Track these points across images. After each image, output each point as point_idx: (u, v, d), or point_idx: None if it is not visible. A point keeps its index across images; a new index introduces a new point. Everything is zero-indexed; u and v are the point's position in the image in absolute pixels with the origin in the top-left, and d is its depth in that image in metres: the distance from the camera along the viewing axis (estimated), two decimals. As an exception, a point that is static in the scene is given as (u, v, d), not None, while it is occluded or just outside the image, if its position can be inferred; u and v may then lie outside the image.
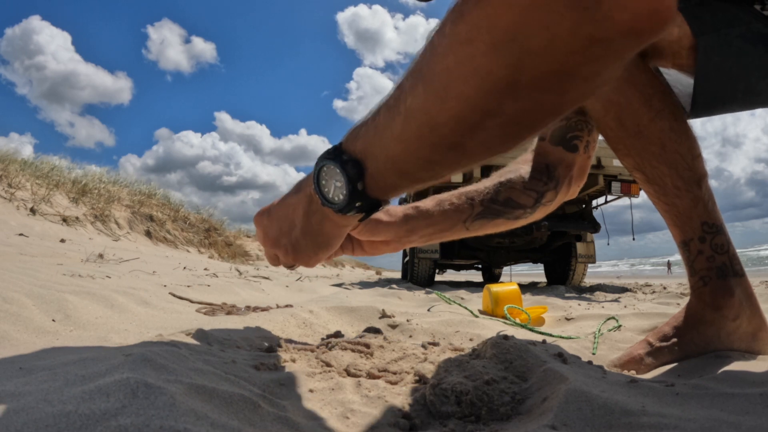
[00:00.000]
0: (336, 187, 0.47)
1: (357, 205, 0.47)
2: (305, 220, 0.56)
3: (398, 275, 7.62)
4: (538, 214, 0.83)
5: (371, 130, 0.44)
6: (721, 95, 0.68)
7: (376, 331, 0.90)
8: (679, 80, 0.73)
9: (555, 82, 0.33)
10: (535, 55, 0.32)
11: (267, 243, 0.63)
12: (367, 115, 0.46)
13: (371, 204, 0.47)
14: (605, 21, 0.30)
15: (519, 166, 0.82)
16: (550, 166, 0.81)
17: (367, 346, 0.75)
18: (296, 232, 0.58)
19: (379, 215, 0.71)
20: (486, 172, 2.82)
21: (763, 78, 0.67)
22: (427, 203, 0.74)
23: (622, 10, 0.29)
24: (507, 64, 0.33)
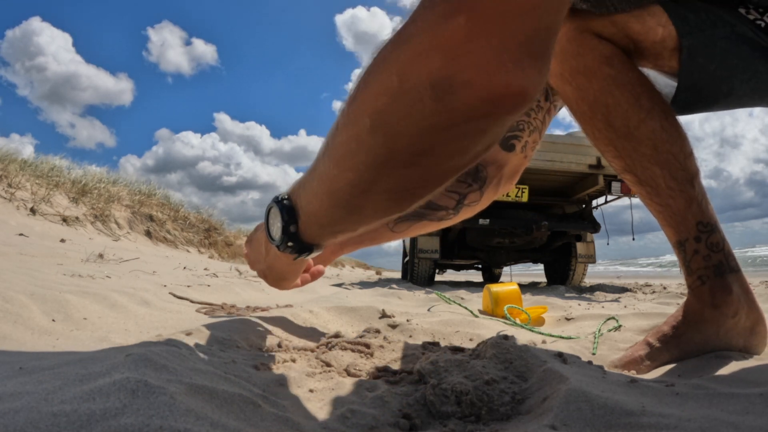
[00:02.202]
0: (277, 227, 0.53)
1: (290, 245, 0.52)
2: (265, 253, 0.68)
3: (398, 275, 7.63)
4: (464, 214, 0.85)
5: (301, 186, 0.50)
6: (704, 95, 0.68)
7: (376, 331, 0.90)
8: (656, 81, 0.73)
9: (425, 159, 0.37)
10: (403, 137, 0.36)
11: (251, 266, 0.76)
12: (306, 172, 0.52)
13: (302, 246, 0.52)
14: (460, 108, 0.33)
15: None
16: (479, 166, 0.83)
17: (367, 346, 0.75)
18: (263, 261, 0.70)
19: None
20: None
21: (747, 81, 0.67)
22: None
23: (473, 97, 0.33)
24: (382, 143, 0.37)
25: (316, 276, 0.83)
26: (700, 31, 0.63)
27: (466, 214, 0.85)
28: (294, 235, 0.52)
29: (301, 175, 0.54)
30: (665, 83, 0.71)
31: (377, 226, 0.48)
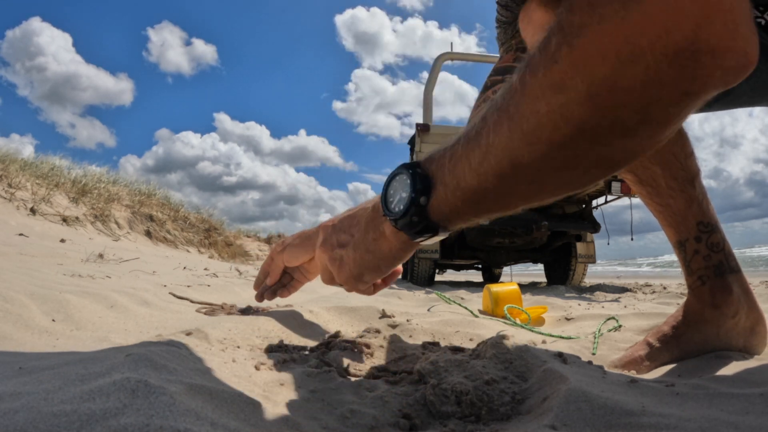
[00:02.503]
0: (401, 197, 0.47)
1: (414, 219, 0.46)
2: (363, 233, 0.56)
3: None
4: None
5: (447, 157, 0.44)
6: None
7: (376, 331, 0.90)
8: None
9: (644, 130, 0.34)
10: (628, 107, 0.32)
11: (323, 249, 0.61)
12: (445, 143, 0.46)
13: (427, 224, 0.46)
14: (702, 78, 0.31)
15: None
16: None
17: (367, 346, 0.75)
18: (351, 244, 0.57)
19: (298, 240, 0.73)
20: None
21: (746, 80, 0.67)
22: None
23: (719, 67, 0.30)
24: (600, 115, 0.33)
25: (394, 278, 0.68)
26: None
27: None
28: (422, 209, 0.46)
29: (435, 147, 0.47)
30: None
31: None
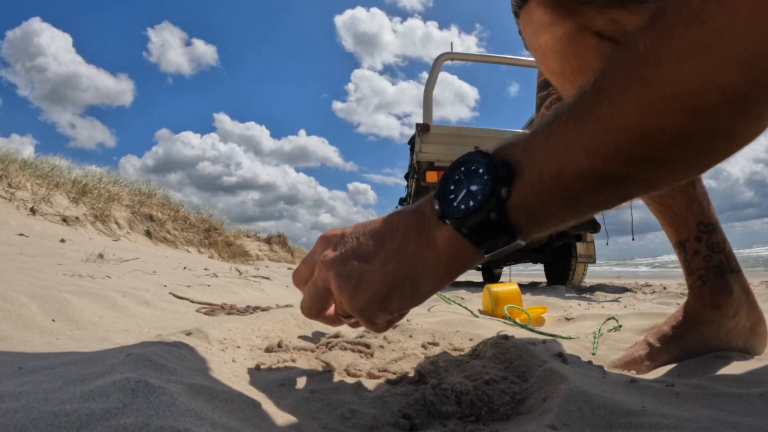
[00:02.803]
0: (469, 191, 0.38)
1: (491, 216, 0.36)
2: (400, 243, 0.41)
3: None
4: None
5: (538, 140, 0.36)
6: None
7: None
8: None
9: None
10: None
11: (328, 264, 0.43)
12: (521, 134, 0.38)
13: (505, 225, 0.37)
14: None
15: None
16: None
17: (367, 346, 0.75)
18: (379, 257, 0.41)
19: None
20: None
21: None
22: None
23: None
24: (751, 81, 0.30)
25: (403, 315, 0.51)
26: None
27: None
28: (501, 204, 0.36)
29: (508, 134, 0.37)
30: None
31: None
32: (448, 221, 0.39)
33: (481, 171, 0.37)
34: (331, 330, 0.95)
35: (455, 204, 0.38)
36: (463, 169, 0.39)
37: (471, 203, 0.37)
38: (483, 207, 0.36)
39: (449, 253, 0.40)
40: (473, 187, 0.38)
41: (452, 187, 0.39)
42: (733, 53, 0.29)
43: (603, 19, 0.70)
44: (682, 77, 0.31)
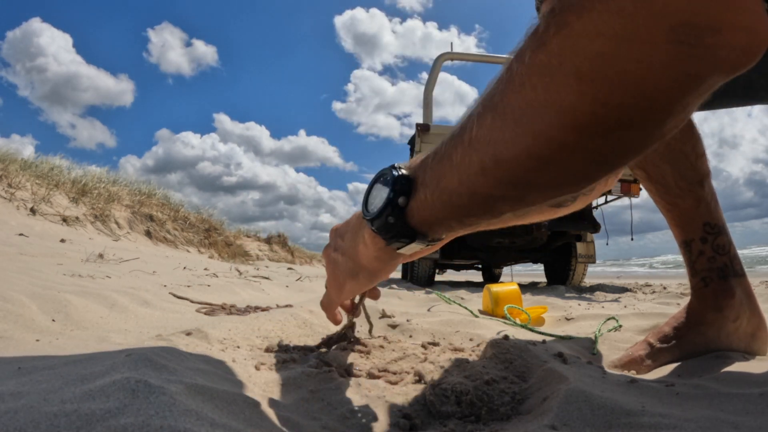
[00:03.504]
0: (381, 198, 0.44)
1: (389, 220, 0.43)
2: (351, 238, 0.52)
3: (398, 275, 7.64)
4: (579, 204, 0.85)
5: (431, 157, 0.41)
6: (722, 90, 0.68)
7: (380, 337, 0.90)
8: None
9: (642, 119, 0.30)
10: (624, 90, 0.29)
11: (325, 252, 0.58)
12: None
13: (404, 227, 0.43)
14: (706, 58, 0.27)
15: None
16: None
17: (367, 346, 0.75)
18: (341, 249, 0.54)
19: None
20: None
21: (765, 76, 0.66)
22: None
23: (725, 46, 0.27)
24: (592, 99, 0.30)
25: (375, 295, 0.66)
26: None
27: (582, 202, 0.85)
28: (399, 211, 0.42)
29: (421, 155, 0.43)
30: None
31: (518, 216, 0.40)
32: (366, 221, 0.46)
33: (388, 181, 0.44)
34: (331, 330, 0.95)
35: (369, 206, 0.46)
36: (381, 179, 0.46)
37: (375, 208, 0.44)
38: (382, 212, 0.43)
39: (375, 247, 0.48)
40: (383, 194, 0.44)
41: (374, 193, 0.46)
42: (573, 72, 0.29)
43: None
44: (523, 101, 0.32)
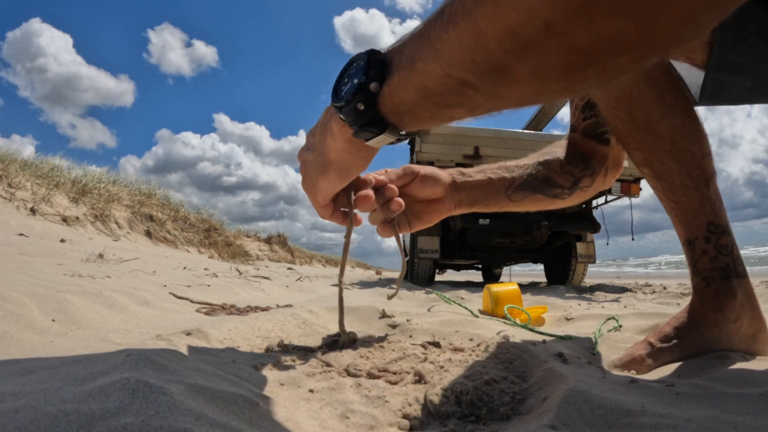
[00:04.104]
0: (352, 83, 0.41)
1: (359, 107, 0.40)
2: (319, 133, 0.49)
3: (398, 275, 7.63)
4: (576, 198, 0.86)
5: (410, 35, 0.38)
6: (728, 89, 0.68)
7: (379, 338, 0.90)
8: (689, 74, 0.73)
9: (646, 8, 0.26)
10: None
11: (299, 154, 0.55)
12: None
13: (374, 115, 0.40)
14: None
15: (556, 149, 0.85)
16: (585, 156, 0.83)
17: (368, 346, 0.75)
18: (311, 146, 0.51)
19: (430, 170, 0.70)
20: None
21: None
22: (470, 171, 0.77)
23: None
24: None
25: (362, 203, 0.59)
26: (732, 26, 0.63)
27: (578, 197, 0.86)
28: (371, 97, 0.39)
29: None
30: (698, 75, 0.71)
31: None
32: (335, 108, 0.43)
33: (361, 65, 0.40)
34: (331, 330, 0.95)
35: (339, 91, 0.42)
36: (354, 64, 0.42)
37: (345, 94, 0.41)
38: (352, 99, 0.40)
39: (342, 139, 0.45)
40: (355, 80, 0.40)
41: (345, 79, 0.42)
42: None
43: None
44: None
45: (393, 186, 0.64)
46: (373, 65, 0.39)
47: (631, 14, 0.27)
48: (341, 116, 0.42)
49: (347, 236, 0.63)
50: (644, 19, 0.27)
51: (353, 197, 0.59)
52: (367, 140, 0.43)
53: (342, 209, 0.61)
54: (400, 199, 0.63)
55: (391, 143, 0.44)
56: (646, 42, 0.28)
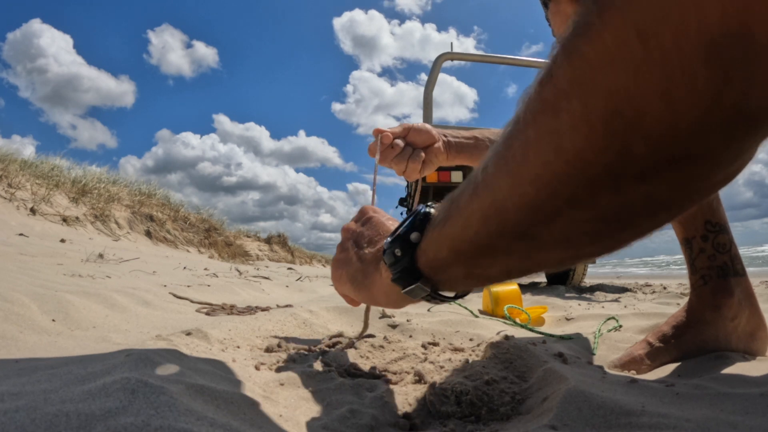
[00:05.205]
0: (398, 230, 0.42)
1: (396, 253, 0.40)
2: (372, 252, 0.49)
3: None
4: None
5: (448, 196, 0.38)
6: None
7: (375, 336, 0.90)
8: None
9: (677, 171, 0.23)
10: (649, 134, 0.22)
11: (338, 245, 0.55)
12: None
13: (410, 265, 0.40)
14: (764, 85, 0.20)
15: None
16: None
17: (368, 346, 0.75)
18: (358, 257, 0.50)
19: (419, 123, 0.85)
20: None
21: None
22: (460, 131, 0.90)
23: None
24: (605, 146, 0.23)
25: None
26: None
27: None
28: (409, 246, 0.39)
29: None
30: None
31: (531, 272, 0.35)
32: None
33: (412, 214, 0.41)
34: (331, 330, 0.95)
35: (391, 236, 0.42)
36: (414, 212, 0.42)
37: (391, 237, 0.41)
38: (392, 244, 0.40)
39: (387, 281, 0.43)
40: (402, 228, 0.41)
41: (401, 224, 0.43)
42: (579, 110, 0.24)
43: None
44: (526, 143, 0.27)
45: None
46: (419, 215, 0.40)
47: (662, 179, 0.24)
48: (384, 258, 0.42)
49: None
50: (676, 180, 0.24)
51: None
52: (402, 290, 0.42)
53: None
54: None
55: (431, 301, 0.43)
56: (685, 198, 0.26)
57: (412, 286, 0.41)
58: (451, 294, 0.43)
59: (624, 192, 0.25)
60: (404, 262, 0.40)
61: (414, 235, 0.39)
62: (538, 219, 0.29)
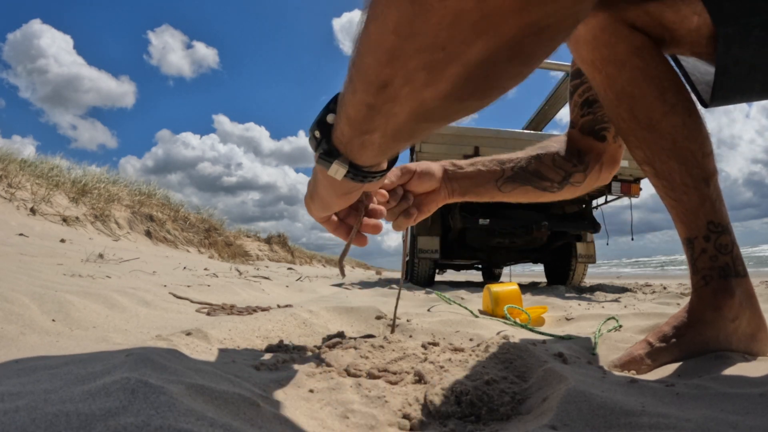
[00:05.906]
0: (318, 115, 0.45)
1: (315, 134, 0.44)
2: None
3: (398, 275, 7.63)
4: (567, 193, 0.87)
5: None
6: (739, 85, 0.68)
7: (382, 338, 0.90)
8: (697, 68, 0.73)
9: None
10: None
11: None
12: None
13: (329, 146, 0.43)
14: None
15: (551, 143, 0.87)
16: (581, 152, 0.85)
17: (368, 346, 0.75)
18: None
19: (424, 165, 0.76)
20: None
21: None
22: (462, 163, 0.81)
23: None
24: None
25: (375, 215, 0.65)
26: (735, 19, 0.62)
27: (569, 192, 0.88)
28: (326, 127, 0.42)
29: None
30: (706, 71, 0.71)
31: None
32: None
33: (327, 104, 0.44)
34: (331, 330, 0.95)
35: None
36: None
37: (311, 125, 0.44)
38: (312, 127, 0.44)
39: (322, 173, 0.47)
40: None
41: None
42: None
43: (636, 12, 0.70)
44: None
45: (393, 188, 0.73)
46: (334, 99, 0.42)
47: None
48: (310, 145, 0.46)
49: (344, 251, 0.66)
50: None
51: (361, 216, 0.63)
52: (328, 171, 0.45)
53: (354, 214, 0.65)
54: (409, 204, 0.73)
55: (354, 179, 0.45)
56: (494, 15, 0.27)
57: (333, 165, 0.43)
58: (371, 169, 0.45)
59: (434, 10, 0.26)
60: (324, 144, 0.43)
61: (330, 117, 0.42)
62: (383, 58, 0.31)
